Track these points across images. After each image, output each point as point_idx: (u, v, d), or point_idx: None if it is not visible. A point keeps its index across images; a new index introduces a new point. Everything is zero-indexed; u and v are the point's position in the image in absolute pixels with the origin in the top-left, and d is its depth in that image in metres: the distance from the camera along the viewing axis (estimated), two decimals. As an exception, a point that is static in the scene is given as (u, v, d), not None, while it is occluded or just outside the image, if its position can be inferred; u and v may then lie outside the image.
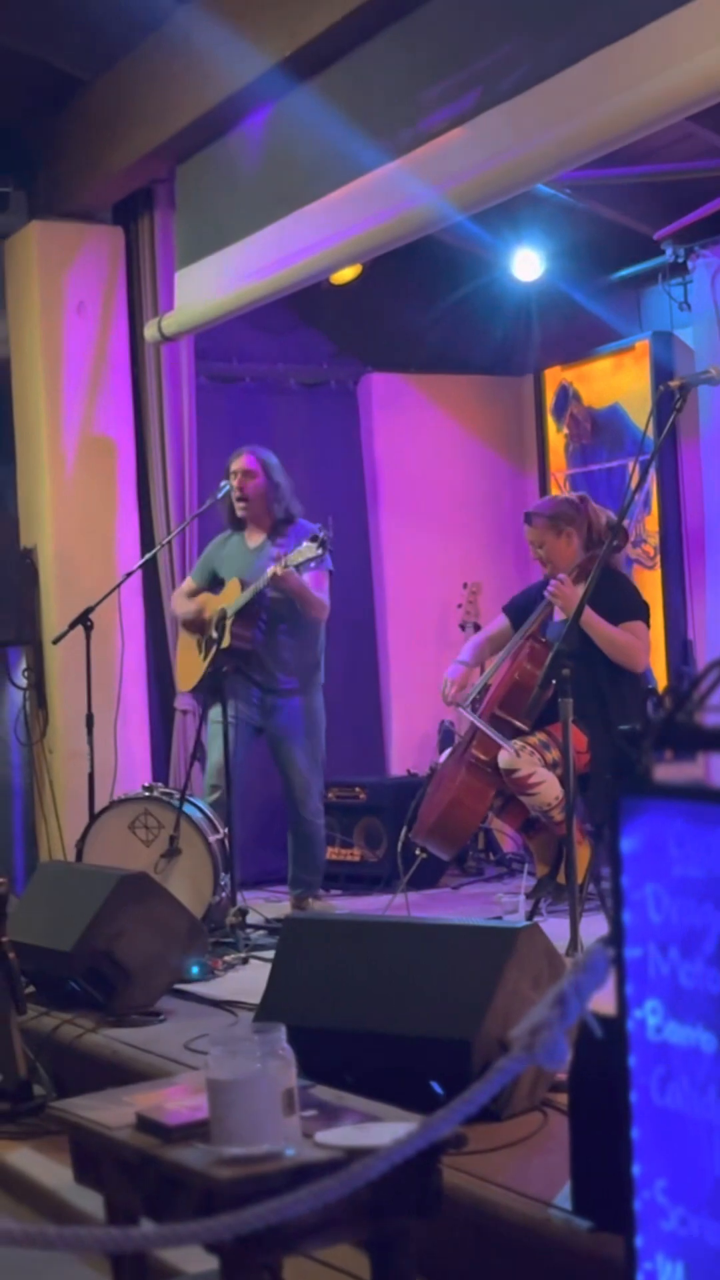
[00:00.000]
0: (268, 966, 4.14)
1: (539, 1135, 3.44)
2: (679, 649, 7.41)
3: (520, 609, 6.29)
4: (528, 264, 7.72)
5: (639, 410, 7.59)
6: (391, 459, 8.36)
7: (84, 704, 6.69)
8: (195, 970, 4.93)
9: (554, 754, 5.73)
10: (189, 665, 6.71)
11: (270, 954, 4.42)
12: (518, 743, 5.84)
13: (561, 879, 5.71)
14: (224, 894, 5.99)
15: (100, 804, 6.35)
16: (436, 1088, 3.47)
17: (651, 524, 7.56)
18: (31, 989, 4.95)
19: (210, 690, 6.37)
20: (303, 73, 5.98)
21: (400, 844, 6.25)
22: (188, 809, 6.04)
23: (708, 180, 6.80)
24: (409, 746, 8.19)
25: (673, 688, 2.17)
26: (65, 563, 7.54)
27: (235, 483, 6.52)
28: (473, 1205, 3.06)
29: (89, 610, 6.66)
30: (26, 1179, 4.05)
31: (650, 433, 5.98)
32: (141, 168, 7.14)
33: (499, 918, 5.92)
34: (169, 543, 7.37)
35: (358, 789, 7.42)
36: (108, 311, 7.68)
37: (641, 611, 5.90)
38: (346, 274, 7.51)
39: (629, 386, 7.75)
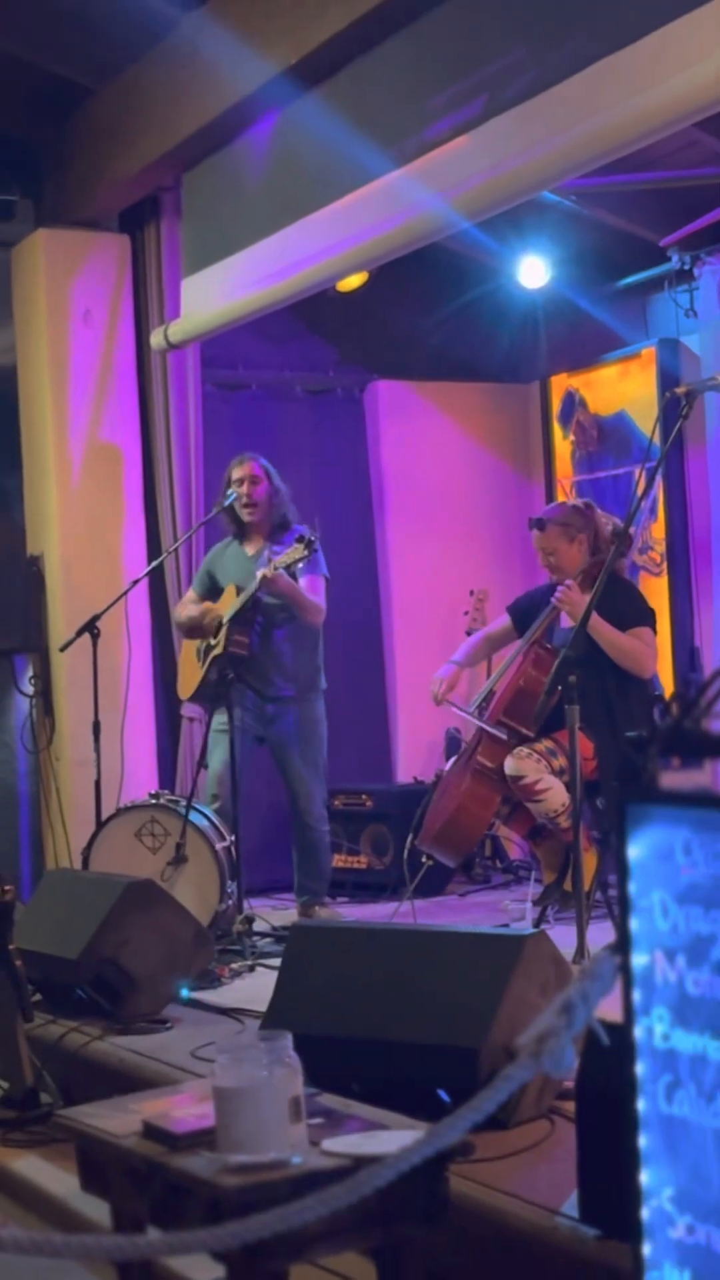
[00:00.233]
0: (274, 974, 4.13)
1: (546, 1143, 3.43)
2: (686, 656, 7.40)
3: (524, 611, 6.29)
4: (534, 271, 7.73)
5: (645, 417, 7.58)
6: (398, 466, 8.36)
7: (90, 711, 6.70)
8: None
9: (560, 761, 5.73)
10: (189, 674, 6.71)
11: (277, 961, 4.42)
12: (524, 749, 5.84)
13: (568, 886, 5.70)
14: (231, 901, 5.99)
15: (107, 811, 6.35)
16: (443, 1095, 3.47)
17: (658, 531, 7.56)
18: (38, 997, 4.94)
19: (211, 698, 6.37)
20: (308, 80, 5.99)
21: (406, 851, 6.25)
22: (194, 817, 6.04)
23: (713, 187, 6.81)
24: (415, 753, 8.18)
25: (679, 694, 2.17)
26: (72, 570, 7.55)
27: (244, 489, 6.52)
28: (480, 1213, 3.06)
29: (95, 618, 6.66)
30: (33, 1187, 4.04)
31: (657, 439, 5.99)
32: (147, 176, 7.15)
33: (506, 925, 5.91)
34: (175, 550, 7.37)
35: (364, 796, 7.42)
36: (114, 319, 7.69)
37: (648, 617, 5.89)
38: (353, 281, 7.52)
39: (635, 393, 7.75)
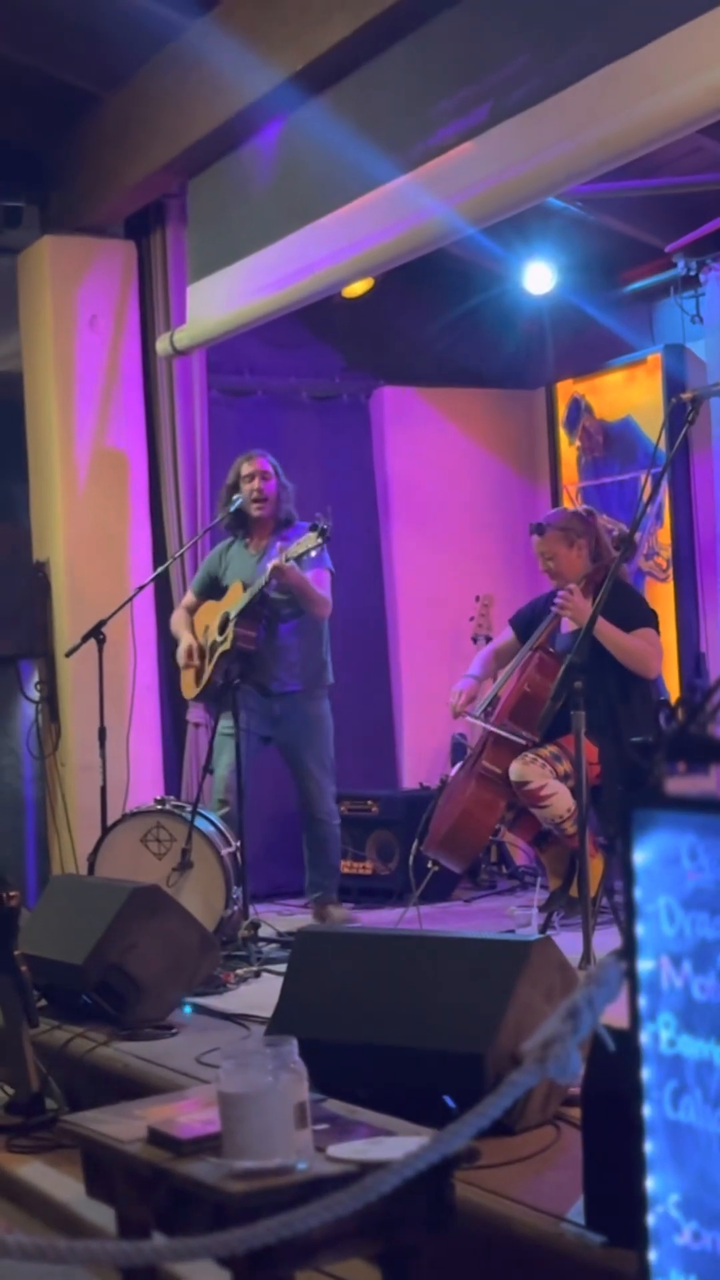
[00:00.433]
0: (280, 980, 4.13)
1: (552, 1149, 3.43)
2: (691, 661, 7.40)
3: (526, 621, 6.30)
4: (539, 277, 7.73)
5: (651, 423, 7.58)
6: (403, 472, 8.37)
7: (96, 717, 6.70)
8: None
9: (565, 766, 5.73)
10: (193, 672, 6.71)
11: (282, 967, 4.42)
12: (529, 754, 5.83)
13: (574, 892, 5.69)
14: (236, 907, 5.98)
15: (112, 817, 6.35)
16: (449, 1102, 3.46)
17: (664, 536, 7.56)
18: (44, 1002, 4.95)
19: (216, 699, 6.37)
20: (314, 87, 5.99)
21: (412, 857, 6.24)
22: (200, 822, 6.04)
23: (719, 193, 6.81)
24: (421, 759, 8.18)
25: (685, 700, 2.17)
26: (77, 576, 7.55)
27: (255, 484, 6.54)
28: (485, 1220, 3.05)
29: (101, 624, 6.66)
30: (38, 1192, 4.04)
31: (662, 445, 5.98)
32: (153, 182, 7.16)
33: (511, 931, 5.90)
34: (181, 556, 7.38)
35: (370, 802, 7.41)
36: (120, 325, 7.69)
37: (651, 619, 5.90)
38: (358, 287, 7.52)
39: (641, 399, 7.75)
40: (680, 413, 5.33)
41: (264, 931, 6.09)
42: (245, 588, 6.42)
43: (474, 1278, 3.11)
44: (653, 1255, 2.17)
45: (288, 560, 6.18)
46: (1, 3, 6.61)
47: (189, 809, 6.08)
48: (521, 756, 5.82)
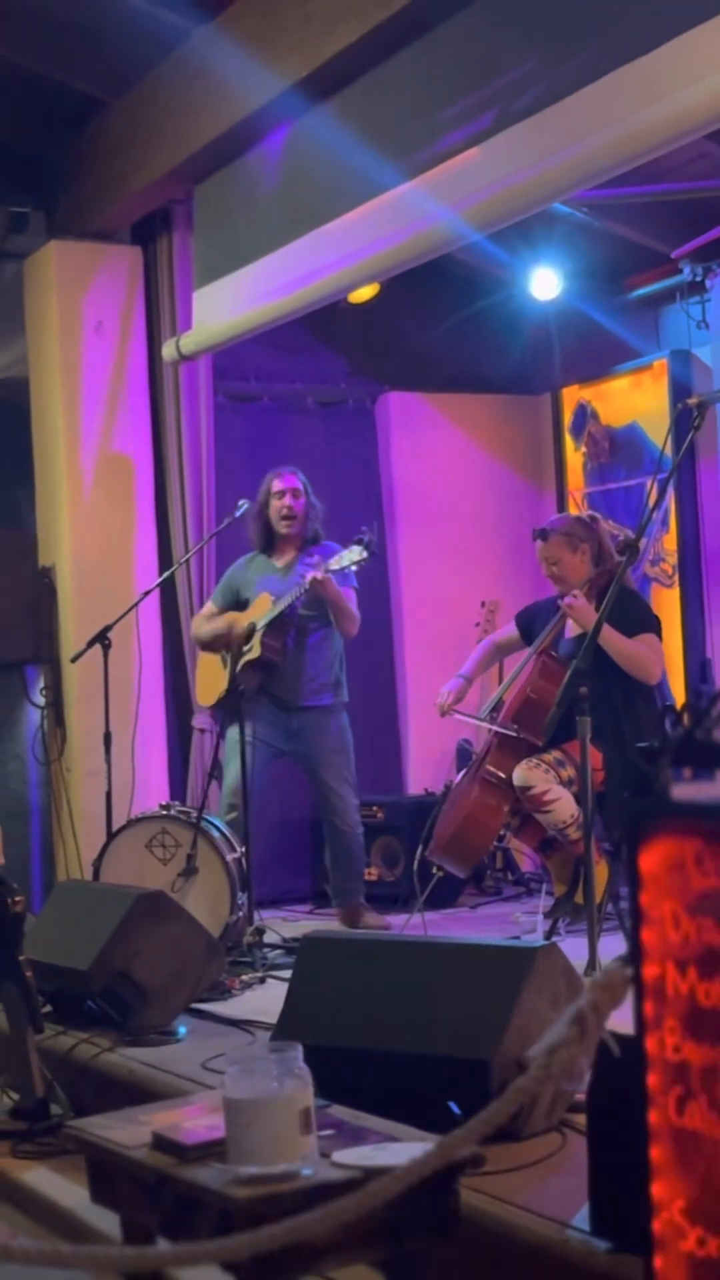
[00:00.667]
0: (285, 986, 4.13)
1: (557, 1155, 3.42)
2: (697, 667, 7.39)
3: (529, 621, 6.34)
4: (545, 283, 7.73)
5: (657, 429, 7.59)
6: (409, 478, 8.37)
7: (101, 722, 6.70)
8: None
9: (569, 771, 5.73)
10: (211, 680, 6.71)
11: (287, 973, 4.41)
12: (532, 759, 5.84)
13: (579, 899, 5.69)
14: (241, 913, 5.98)
15: (117, 822, 6.35)
16: (454, 1108, 3.46)
17: (670, 542, 7.55)
18: (49, 1008, 4.94)
19: (230, 709, 6.38)
20: (320, 93, 6.00)
21: (417, 863, 6.25)
22: (205, 828, 6.04)
23: (725, 199, 6.82)
24: (426, 765, 8.18)
25: (691, 706, 2.17)
26: (83, 581, 7.55)
27: (285, 501, 6.58)
28: (490, 1226, 3.05)
29: (107, 629, 6.67)
30: (43, 1198, 4.04)
31: (668, 451, 5.98)
32: (160, 188, 7.16)
33: (517, 937, 5.90)
34: (187, 561, 7.39)
35: (375, 808, 7.41)
36: (126, 331, 7.70)
37: (653, 624, 5.91)
38: (364, 293, 7.53)
39: (647, 405, 7.75)
40: (686, 418, 5.33)
41: (269, 937, 6.09)
42: (274, 600, 6.46)
43: (479, 1284, 3.11)
44: (658, 1262, 2.16)
45: (328, 573, 6.25)
46: (7, 9, 6.62)
47: (194, 814, 6.08)
48: (525, 761, 5.82)
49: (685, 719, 2.17)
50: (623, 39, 4.66)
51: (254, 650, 6.46)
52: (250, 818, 6.34)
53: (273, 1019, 4.10)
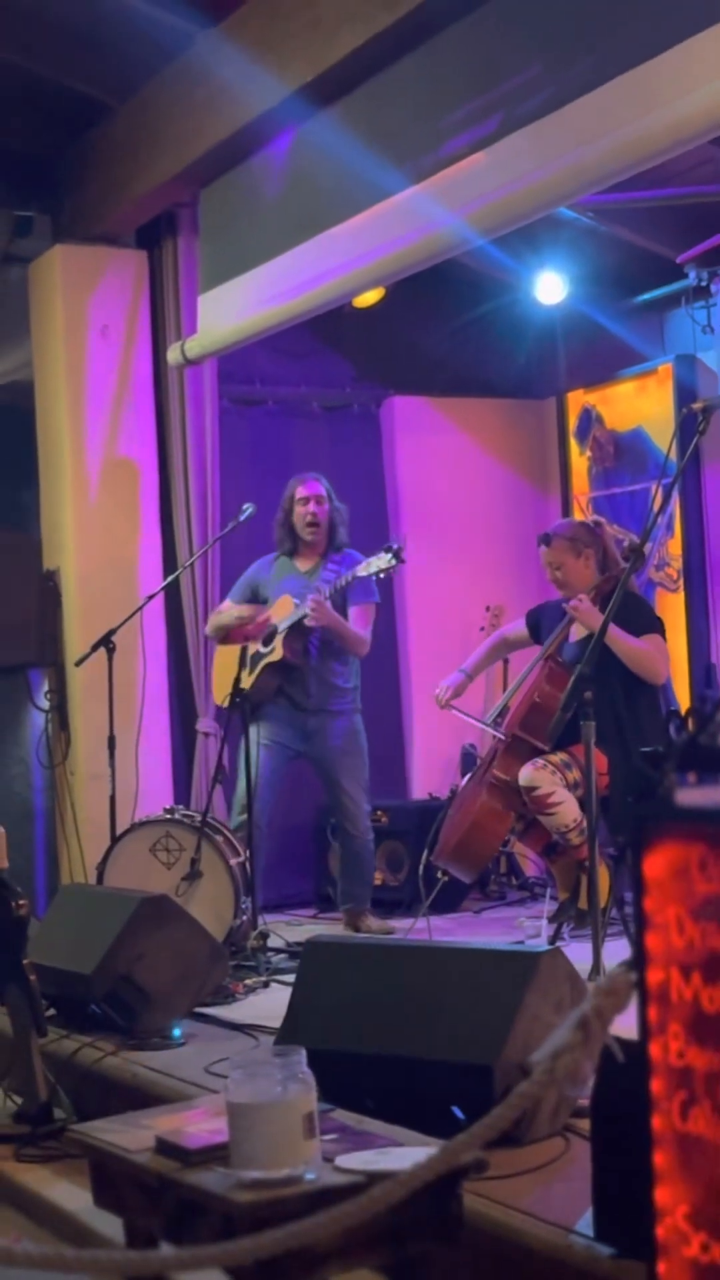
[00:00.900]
0: (288, 990, 4.13)
1: (561, 1161, 3.42)
2: (702, 672, 7.39)
3: (537, 621, 6.35)
4: (551, 287, 7.74)
5: (662, 433, 7.59)
6: (414, 482, 8.37)
7: (106, 726, 6.71)
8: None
9: (575, 774, 5.73)
10: (228, 678, 6.71)
11: (291, 977, 4.41)
12: (539, 760, 5.83)
13: (584, 903, 5.69)
14: (245, 917, 5.98)
15: (121, 826, 6.35)
16: (458, 1112, 3.46)
17: (675, 547, 7.55)
18: (52, 1012, 4.94)
19: (251, 707, 6.37)
20: (325, 98, 6.00)
21: (422, 867, 6.24)
22: (209, 832, 6.04)
23: (730, 204, 6.82)
24: (431, 770, 8.18)
25: (695, 710, 2.16)
26: (88, 585, 7.56)
27: (309, 508, 6.61)
28: (494, 1231, 3.04)
29: (111, 632, 6.67)
30: (46, 1202, 4.04)
31: (673, 455, 5.98)
32: (165, 192, 7.17)
33: (521, 942, 5.90)
34: (191, 565, 7.39)
35: (379, 812, 7.41)
36: (131, 335, 7.71)
37: (658, 625, 5.92)
38: (369, 297, 7.53)
39: (652, 410, 7.75)
40: (691, 423, 5.34)
41: (273, 941, 6.09)
42: (295, 603, 6.48)
43: (482, 1289, 3.10)
44: (662, 1267, 2.16)
45: (355, 579, 6.35)
46: (12, 14, 6.63)
47: (198, 818, 6.08)
48: (532, 762, 5.82)
49: (689, 724, 2.17)
50: (628, 44, 4.66)
51: (275, 652, 6.49)
52: (263, 820, 6.37)
53: (276, 1023, 4.10)
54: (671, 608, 7.40)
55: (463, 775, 7.07)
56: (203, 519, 7.59)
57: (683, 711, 2.23)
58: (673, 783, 2.15)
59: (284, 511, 6.70)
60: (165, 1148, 2.93)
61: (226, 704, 6.67)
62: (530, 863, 7.63)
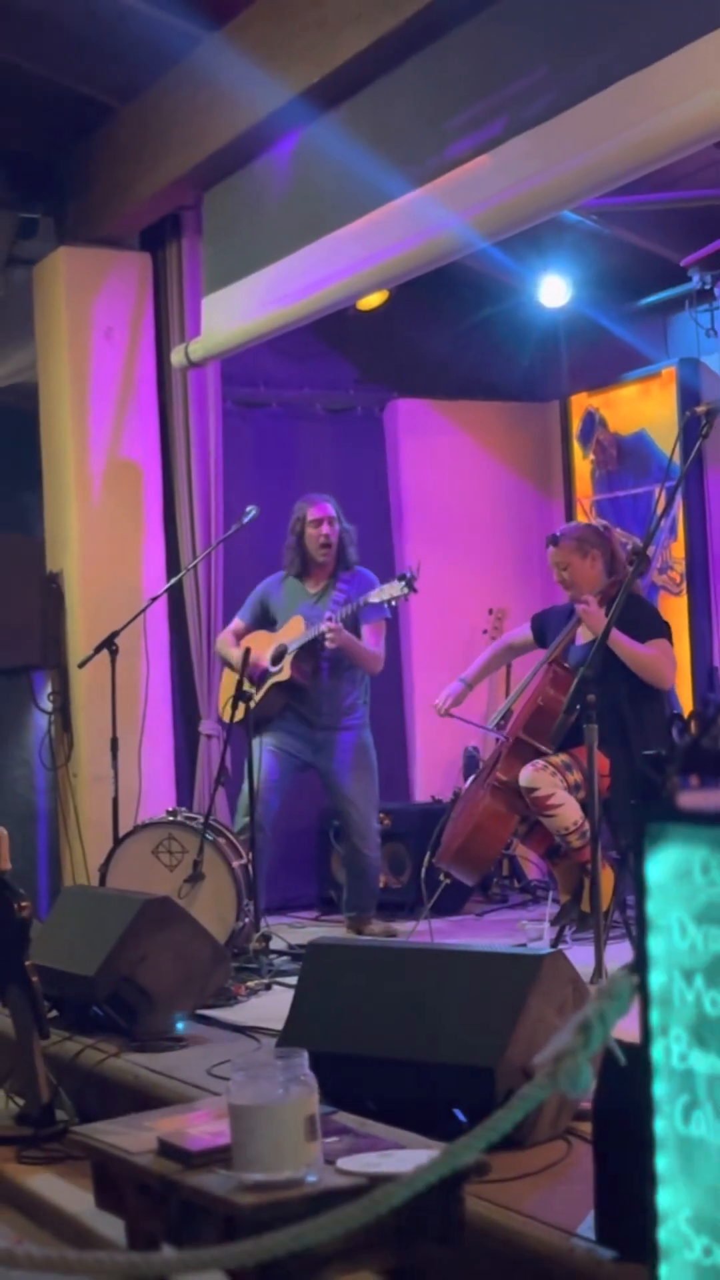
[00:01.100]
0: (290, 992, 4.12)
1: (563, 1164, 3.42)
2: (705, 675, 7.39)
3: (543, 625, 6.34)
4: (554, 290, 7.74)
5: (665, 436, 7.59)
6: (417, 485, 8.37)
7: (109, 728, 6.70)
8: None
9: (575, 776, 5.72)
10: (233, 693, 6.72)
11: (293, 980, 4.41)
12: (540, 761, 5.83)
13: (586, 906, 5.68)
14: (247, 919, 5.98)
15: (124, 828, 6.35)
16: (459, 1115, 3.45)
17: (678, 550, 7.55)
18: (55, 1013, 4.94)
19: (255, 722, 6.38)
20: (329, 101, 6.00)
21: (424, 870, 6.24)
22: (211, 834, 6.04)
23: (734, 207, 6.82)
24: (434, 772, 8.17)
25: (698, 713, 2.16)
26: (91, 587, 7.56)
27: (322, 530, 6.64)
28: (496, 1234, 3.04)
29: (114, 634, 6.67)
30: (48, 1204, 4.04)
31: (677, 459, 5.98)
32: (169, 194, 7.17)
33: (523, 944, 5.89)
34: (195, 567, 7.39)
35: (382, 815, 7.40)
36: (135, 337, 7.71)
37: (664, 629, 5.91)
38: (373, 300, 7.53)
39: (655, 413, 7.75)
40: (694, 426, 5.33)
41: (275, 944, 6.09)
42: (307, 624, 6.50)
43: (484, 1292, 3.10)
44: (663, 1271, 2.16)
45: (366, 604, 6.38)
46: (16, 16, 6.63)
47: (201, 820, 6.08)
48: (532, 763, 5.82)
49: (692, 726, 2.16)
50: (633, 47, 4.66)
51: (283, 673, 6.52)
52: (267, 824, 6.38)
53: (278, 1025, 4.09)
54: (674, 611, 7.40)
55: (465, 778, 7.07)
56: (206, 521, 7.59)
57: (685, 714, 2.23)
58: (675, 786, 2.15)
59: (295, 534, 6.72)
60: (167, 1150, 2.93)
61: (228, 718, 6.68)
62: (532, 865, 7.62)
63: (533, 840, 6.13)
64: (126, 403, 7.69)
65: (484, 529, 8.40)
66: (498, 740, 6.16)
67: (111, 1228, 3.31)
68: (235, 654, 6.70)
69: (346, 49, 5.67)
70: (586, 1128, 3.28)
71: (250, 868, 6.06)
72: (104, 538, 7.60)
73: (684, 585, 7.53)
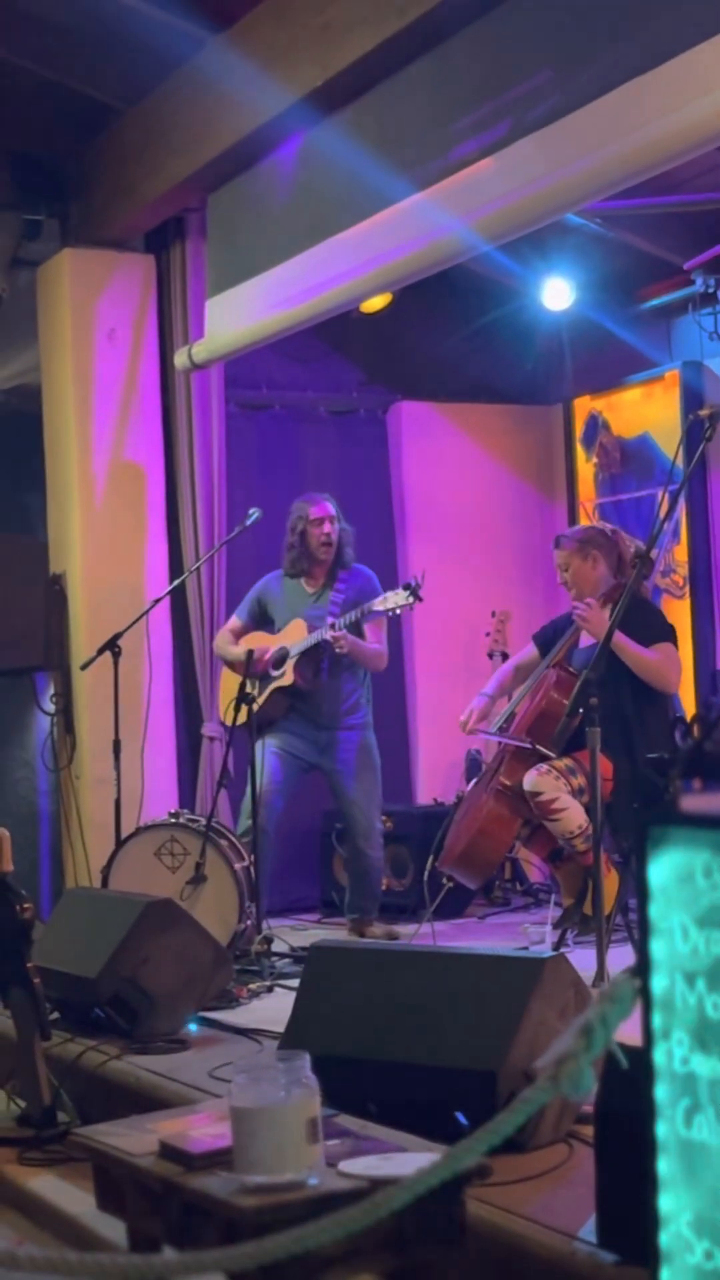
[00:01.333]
0: (292, 995, 4.12)
1: (564, 1167, 3.41)
2: (708, 679, 7.39)
3: (548, 638, 6.31)
4: (558, 293, 7.74)
5: (668, 439, 7.58)
6: (420, 487, 8.37)
7: (111, 730, 6.71)
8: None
9: (579, 780, 5.72)
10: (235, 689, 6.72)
11: (295, 982, 4.41)
12: (544, 765, 5.83)
13: (588, 910, 5.68)
14: (249, 921, 5.98)
15: (126, 830, 6.35)
16: (461, 1118, 3.45)
17: (681, 554, 7.55)
18: (56, 1015, 4.94)
19: (258, 725, 6.38)
20: (333, 103, 6.00)
21: (427, 873, 6.24)
22: (213, 836, 6.04)
23: (737, 210, 6.82)
24: (436, 775, 8.17)
25: (701, 717, 2.16)
26: (94, 589, 7.56)
27: (325, 529, 6.64)
28: (497, 1237, 3.04)
29: (117, 636, 6.67)
30: (50, 1205, 4.03)
31: (679, 462, 5.98)
32: (173, 197, 7.18)
33: (525, 948, 5.89)
34: (198, 569, 7.39)
35: (385, 818, 7.41)
36: (138, 339, 7.71)
37: (670, 633, 5.90)
38: (376, 303, 7.53)
39: (658, 416, 7.75)
40: (697, 429, 5.33)
41: (277, 946, 6.09)
42: (309, 627, 6.50)
43: (485, 1295, 3.10)
44: (665, 1274, 2.16)
45: (371, 612, 6.41)
46: (22, 18, 6.64)
47: (203, 822, 6.08)
48: (536, 767, 5.82)
49: (695, 730, 2.16)
50: (637, 51, 4.66)
51: (286, 677, 6.53)
52: (271, 827, 6.38)
53: (280, 1028, 4.09)
54: (677, 614, 7.40)
55: (468, 781, 7.07)
56: (209, 523, 7.59)
57: (688, 718, 2.23)
58: (678, 789, 2.15)
59: (296, 534, 6.70)
60: (169, 1152, 2.93)
61: (229, 721, 6.68)
62: (535, 868, 7.62)
63: (535, 843, 6.13)
64: (130, 404, 7.69)
65: (487, 532, 8.40)
66: (502, 744, 6.15)
67: (112, 1230, 3.31)
68: (236, 652, 6.69)
69: (351, 52, 5.67)
70: (588, 1131, 3.27)
71: (252, 870, 6.06)
72: (107, 539, 7.60)
73: (687, 588, 7.53)
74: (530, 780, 5.78)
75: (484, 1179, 2.87)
